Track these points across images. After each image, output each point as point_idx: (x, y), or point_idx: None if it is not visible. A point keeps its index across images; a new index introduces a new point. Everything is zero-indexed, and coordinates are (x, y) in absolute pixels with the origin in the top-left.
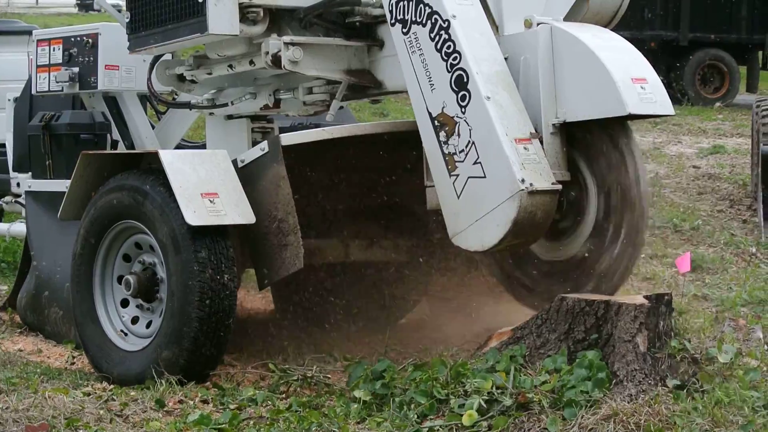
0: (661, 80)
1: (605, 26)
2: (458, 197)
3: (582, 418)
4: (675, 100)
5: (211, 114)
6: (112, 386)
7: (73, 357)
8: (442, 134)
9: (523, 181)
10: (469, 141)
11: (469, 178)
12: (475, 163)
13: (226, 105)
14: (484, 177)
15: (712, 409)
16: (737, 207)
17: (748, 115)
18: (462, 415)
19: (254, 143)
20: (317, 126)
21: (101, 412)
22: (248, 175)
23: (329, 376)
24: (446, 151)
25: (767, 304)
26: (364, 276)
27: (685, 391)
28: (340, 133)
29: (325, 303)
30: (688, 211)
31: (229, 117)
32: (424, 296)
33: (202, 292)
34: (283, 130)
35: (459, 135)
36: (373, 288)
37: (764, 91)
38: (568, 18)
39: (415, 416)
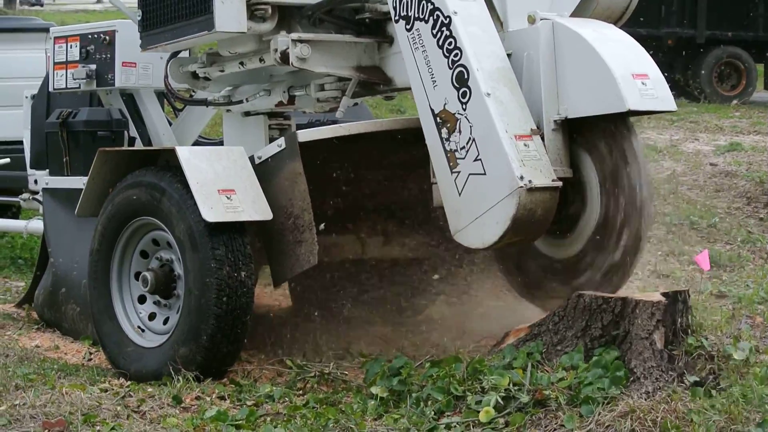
0: (678, 78)
1: (615, 22)
2: (459, 194)
3: (599, 415)
4: (692, 98)
5: (228, 111)
6: (129, 382)
7: (90, 353)
8: (444, 131)
9: (522, 178)
10: (469, 138)
11: (470, 175)
12: (475, 160)
13: (241, 102)
14: (485, 174)
15: (729, 406)
16: (754, 204)
17: (765, 112)
18: (479, 412)
19: (271, 140)
20: (334, 122)
21: (118, 408)
22: (265, 172)
23: (346, 372)
24: (448, 148)
25: None
26: (381, 272)
27: (702, 388)
28: (357, 129)
29: (343, 300)
30: (705, 208)
31: (247, 114)
32: (441, 293)
33: (219, 289)
34: (300, 126)
35: (460, 132)
36: (390, 284)
37: None
38: (577, 14)
39: (432, 413)
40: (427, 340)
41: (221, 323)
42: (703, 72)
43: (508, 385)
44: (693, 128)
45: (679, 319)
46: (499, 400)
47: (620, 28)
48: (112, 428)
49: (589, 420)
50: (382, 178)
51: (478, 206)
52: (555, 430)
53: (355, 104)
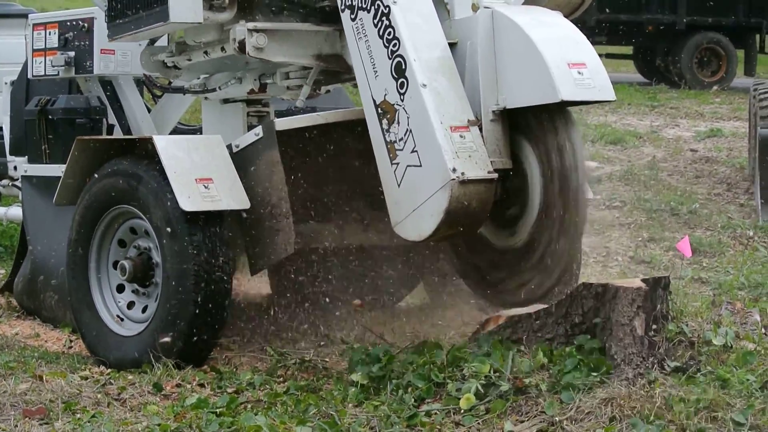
0: (659, 64)
1: (574, 11)
2: (398, 186)
3: (580, 401)
4: (672, 84)
5: (206, 98)
6: (109, 370)
7: (71, 341)
8: (385, 122)
9: (454, 170)
10: (407, 129)
11: (407, 167)
12: (412, 151)
13: (215, 90)
14: (420, 166)
15: (711, 392)
16: (734, 190)
17: (745, 98)
18: (459, 399)
19: (250, 127)
20: (313, 110)
21: (99, 395)
22: (243, 160)
23: (327, 359)
24: (388, 139)
25: (764, 288)
26: (360, 259)
27: (683, 374)
28: (335, 117)
29: (323, 287)
30: (686, 194)
31: (225, 101)
32: (421, 280)
33: (197, 276)
34: (279, 114)
35: (399, 123)
36: (370, 272)
37: (762, 74)
38: (533, 2)
39: (413, 400)
40: (407, 327)
41: (200, 310)
42: (683, 58)
43: (489, 372)
44: (673, 114)
45: (660, 306)
46: (480, 387)
47: (606, 13)
48: (93, 416)
49: (570, 407)
50: (361, 164)
51: (415, 198)
52: (536, 416)
53: (327, 91)
